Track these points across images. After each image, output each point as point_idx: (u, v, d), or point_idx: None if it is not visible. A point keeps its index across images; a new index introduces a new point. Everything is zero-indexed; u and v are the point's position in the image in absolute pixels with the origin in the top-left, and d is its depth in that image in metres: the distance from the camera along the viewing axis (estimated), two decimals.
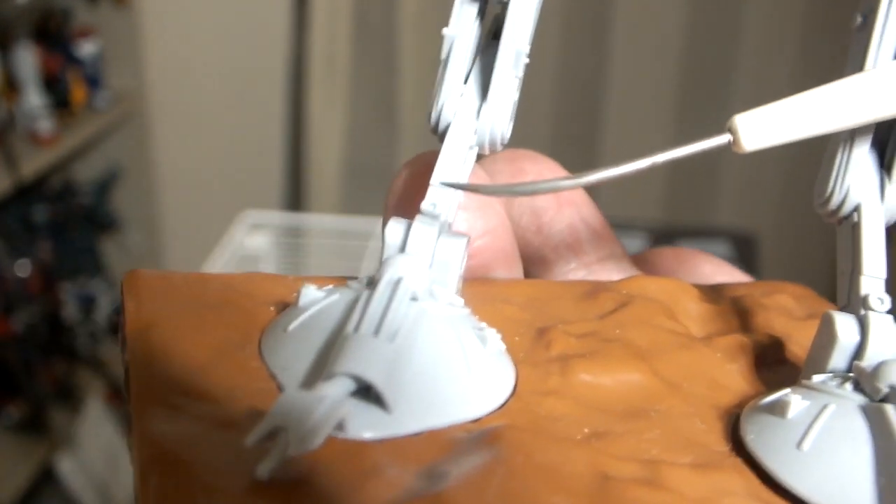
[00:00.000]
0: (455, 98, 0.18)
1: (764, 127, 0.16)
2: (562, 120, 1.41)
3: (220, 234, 1.08)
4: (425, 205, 0.17)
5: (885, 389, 0.15)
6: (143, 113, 1.53)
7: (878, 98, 0.17)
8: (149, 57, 1.51)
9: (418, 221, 0.17)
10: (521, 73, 0.18)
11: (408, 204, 0.19)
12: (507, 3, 0.18)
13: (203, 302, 0.17)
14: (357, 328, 0.15)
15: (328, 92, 1.45)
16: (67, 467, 1.36)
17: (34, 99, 1.30)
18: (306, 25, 1.43)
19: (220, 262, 1.02)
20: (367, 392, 0.14)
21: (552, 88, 1.39)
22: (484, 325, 0.17)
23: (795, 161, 1.35)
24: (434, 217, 0.17)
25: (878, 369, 0.16)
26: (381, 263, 0.17)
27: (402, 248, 0.17)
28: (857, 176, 0.18)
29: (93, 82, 1.43)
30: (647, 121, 1.38)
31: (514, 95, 0.19)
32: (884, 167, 0.18)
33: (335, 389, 0.14)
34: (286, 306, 0.17)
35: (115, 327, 1.56)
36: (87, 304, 1.53)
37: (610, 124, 1.38)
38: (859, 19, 0.18)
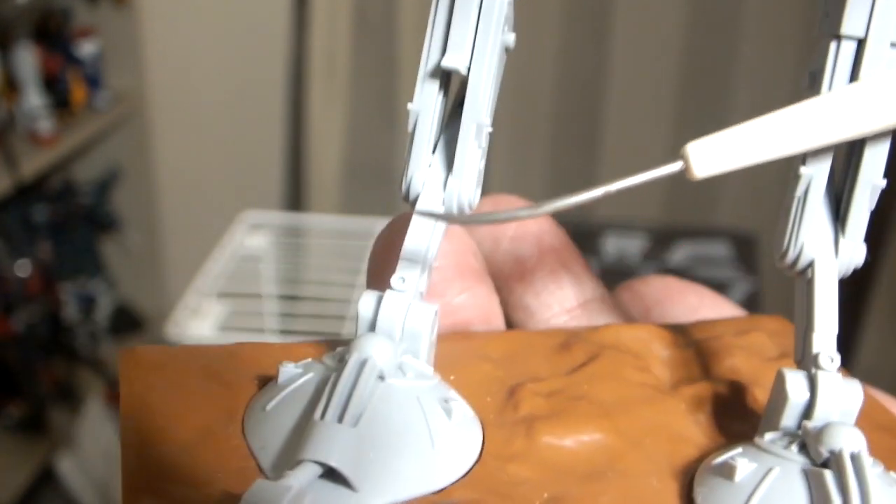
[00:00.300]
0: (423, 169, 0.19)
1: (715, 154, 0.17)
2: (562, 120, 1.41)
3: (220, 234, 1.08)
4: (394, 279, 0.18)
5: (825, 454, 0.16)
6: (143, 113, 1.53)
7: (828, 122, 0.17)
8: (149, 57, 1.51)
9: (388, 295, 0.18)
10: (484, 144, 0.19)
11: (382, 273, 0.19)
12: (467, 78, 0.19)
13: (191, 379, 0.18)
14: (323, 414, 0.16)
15: (328, 92, 1.45)
16: (67, 467, 1.36)
17: (34, 99, 1.30)
18: (306, 25, 1.43)
19: (220, 262, 1.02)
20: (333, 473, 0.15)
21: (552, 88, 1.39)
22: (452, 393, 0.18)
23: (795, 161, 1.34)
24: (403, 291, 0.18)
25: (821, 432, 0.16)
26: (353, 340, 0.17)
27: (373, 322, 0.18)
28: (811, 232, 0.19)
29: (93, 82, 1.43)
30: (648, 121, 1.38)
31: (479, 164, 0.19)
32: (838, 221, 0.19)
33: (302, 477, 0.15)
34: (269, 380, 0.18)
35: (116, 327, 1.56)
36: (87, 304, 1.53)
37: (610, 124, 1.38)
38: (807, 80, 0.18)
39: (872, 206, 0.18)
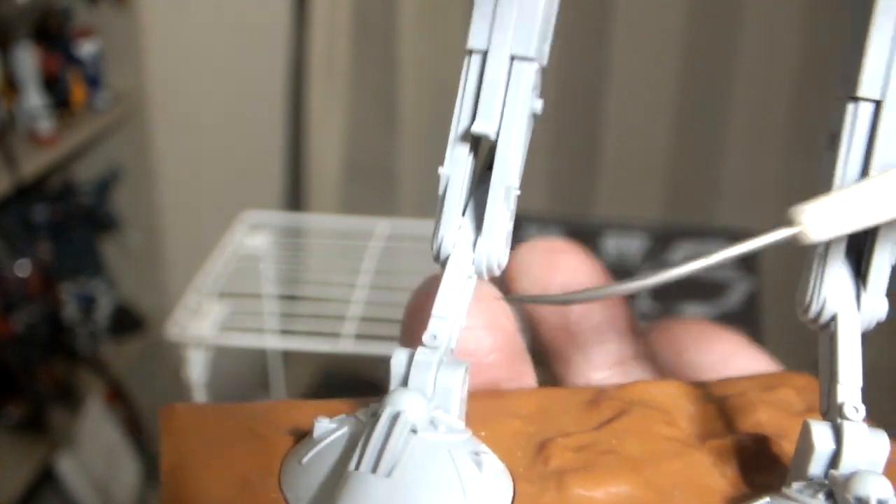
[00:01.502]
0: (454, 231, 0.20)
1: (829, 217, 0.17)
2: (562, 120, 1.41)
3: (220, 234, 1.08)
4: (426, 337, 0.19)
5: (852, 502, 0.16)
6: (143, 113, 1.53)
7: None
8: (149, 57, 1.51)
9: (420, 352, 0.19)
10: (512, 206, 0.20)
11: (415, 329, 0.20)
12: (496, 143, 0.19)
13: (229, 435, 0.19)
14: (357, 465, 0.17)
15: (328, 92, 1.45)
16: (67, 467, 1.36)
17: (34, 99, 1.30)
18: (306, 25, 1.43)
19: (220, 262, 1.02)
20: None
21: (552, 89, 1.39)
22: (482, 447, 0.18)
23: (796, 161, 1.35)
24: (434, 348, 0.19)
25: (848, 480, 0.17)
26: (386, 395, 0.18)
27: (405, 379, 0.19)
28: (832, 286, 0.19)
29: (93, 82, 1.43)
30: (648, 121, 1.37)
31: (508, 226, 0.20)
32: (860, 276, 0.19)
33: None
34: (305, 435, 0.19)
35: (116, 327, 1.56)
36: (87, 304, 1.53)
37: (610, 125, 1.38)
38: (828, 140, 0.19)
39: (894, 260, 0.19)
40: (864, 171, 0.18)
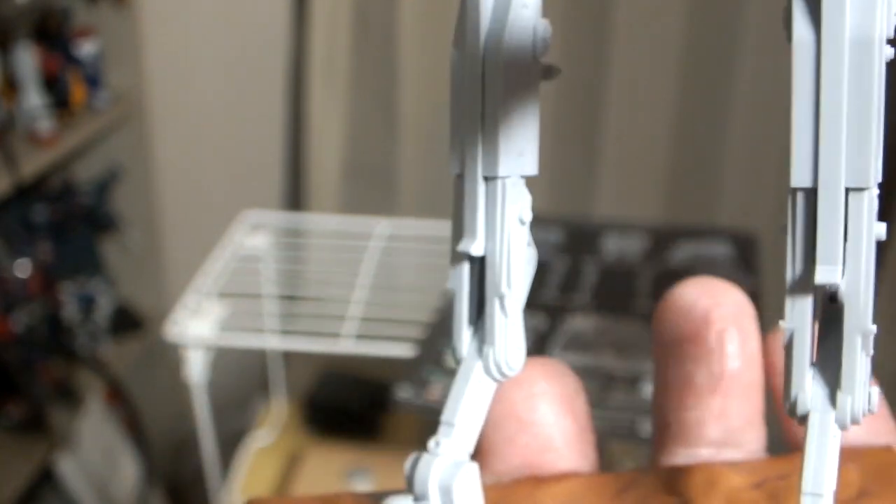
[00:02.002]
0: (466, 333, 0.21)
1: None
2: (562, 120, 1.41)
3: (220, 234, 1.08)
4: (430, 442, 0.19)
5: None
6: (143, 113, 1.53)
7: None
8: (149, 57, 1.51)
9: (423, 457, 0.19)
10: (515, 313, 0.20)
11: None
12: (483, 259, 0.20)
13: None
14: None
15: (328, 92, 1.45)
16: (67, 467, 1.36)
17: (34, 99, 1.30)
18: (306, 25, 1.43)
19: (220, 262, 1.02)
20: None
21: (552, 88, 1.39)
22: None
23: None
24: (436, 454, 0.19)
25: None
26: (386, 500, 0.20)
27: (409, 482, 0.19)
28: (802, 385, 0.18)
29: (93, 82, 1.43)
30: (648, 121, 1.37)
31: (521, 337, 0.20)
32: (832, 371, 0.18)
33: None
34: None
35: (116, 327, 1.56)
36: (87, 304, 1.53)
37: (610, 125, 1.38)
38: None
39: (870, 351, 0.18)
40: (811, 261, 0.17)
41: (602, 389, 0.75)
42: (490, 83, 0.20)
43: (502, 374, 0.20)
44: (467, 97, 0.20)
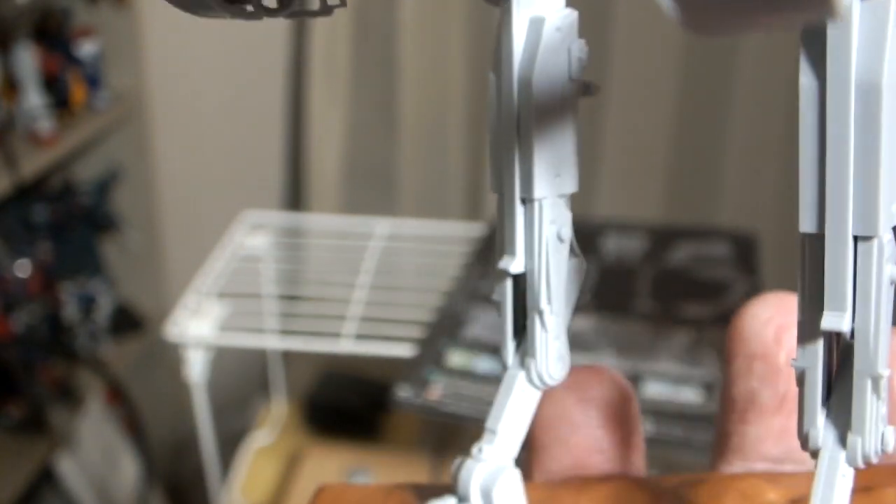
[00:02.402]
0: (512, 347, 0.22)
1: None
2: None
3: (220, 234, 1.08)
4: (473, 448, 0.20)
5: None
6: (143, 113, 1.53)
7: None
8: (149, 57, 1.51)
9: (466, 462, 0.20)
10: (556, 328, 0.22)
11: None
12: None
13: None
14: None
15: (328, 92, 1.45)
16: (67, 467, 1.36)
17: (34, 99, 1.30)
18: (306, 25, 1.43)
19: (220, 262, 1.02)
20: None
21: None
22: None
23: (795, 161, 1.34)
24: (481, 460, 0.20)
25: None
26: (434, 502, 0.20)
27: (454, 486, 0.20)
28: (813, 422, 0.18)
29: (93, 82, 1.43)
30: (648, 121, 1.38)
31: (558, 343, 0.22)
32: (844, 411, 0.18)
33: None
34: None
35: (116, 327, 1.56)
36: (87, 304, 1.53)
37: (610, 125, 1.38)
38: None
39: (883, 395, 0.18)
40: (821, 305, 0.18)
41: None
42: (524, 107, 0.20)
43: (544, 383, 0.21)
44: (504, 120, 0.20)
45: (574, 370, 0.22)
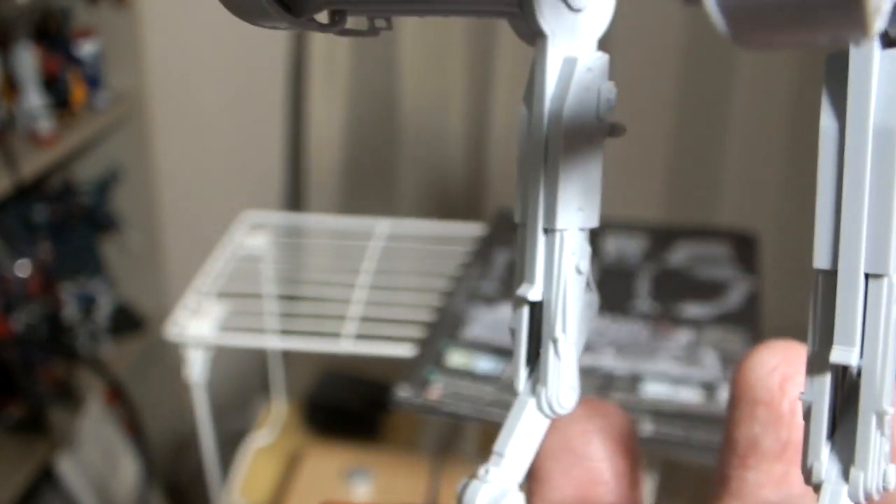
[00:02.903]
0: (524, 374, 0.22)
1: None
2: None
3: (220, 234, 1.08)
4: (480, 470, 0.21)
5: None
6: (143, 113, 1.53)
7: None
8: (149, 57, 1.51)
9: (472, 483, 0.21)
10: (570, 356, 0.22)
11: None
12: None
13: None
14: None
15: (328, 92, 1.45)
16: (67, 467, 1.36)
17: (34, 99, 1.30)
18: None
19: (220, 262, 1.02)
20: None
21: None
22: None
23: (795, 161, 1.35)
24: (485, 481, 0.21)
25: None
26: None
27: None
28: (818, 455, 0.19)
29: (93, 82, 1.43)
30: (648, 121, 1.38)
31: (575, 378, 0.22)
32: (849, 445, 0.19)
33: None
34: None
35: (116, 327, 1.56)
36: (87, 304, 1.53)
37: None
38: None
39: (887, 432, 0.18)
40: (830, 340, 0.18)
41: (602, 389, 0.75)
42: (552, 141, 0.21)
43: (553, 412, 0.21)
44: (532, 152, 0.21)
45: (581, 402, 0.22)
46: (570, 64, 0.21)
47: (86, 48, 1.41)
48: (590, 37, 0.21)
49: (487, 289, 0.91)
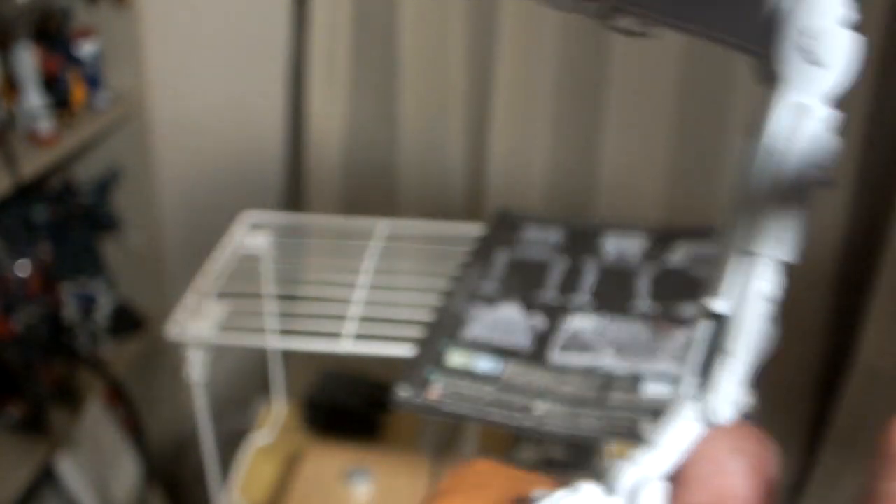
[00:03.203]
0: (694, 379, 0.24)
1: None
2: (562, 120, 1.41)
3: (220, 234, 1.08)
4: (634, 453, 0.24)
5: None
6: (143, 113, 1.53)
7: None
8: (149, 57, 1.51)
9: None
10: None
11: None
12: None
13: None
14: None
15: (328, 92, 1.45)
16: (67, 467, 1.36)
17: (34, 99, 1.30)
18: (306, 25, 1.43)
19: (220, 262, 1.02)
20: None
21: (552, 88, 1.39)
22: None
23: None
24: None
25: None
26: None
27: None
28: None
29: (93, 82, 1.43)
30: (648, 121, 1.37)
31: (740, 395, 0.24)
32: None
33: None
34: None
35: (116, 327, 1.56)
36: (87, 304, 1.53)
37: (610, 124, 1.38)
38: None
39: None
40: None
41: (602, 389, 0.75)
42: (773, 178, 0.23)
43: (713, 420, 0.23)
44: (752, 180, 0.23)
45: (740, 424, 0.24)
46: (803, 111, 0.22)
47: (86, 48, 1.41)
48: (826, 91, 0.22)
49: (487, 289, 0.91)
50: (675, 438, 0.23)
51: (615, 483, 0.22)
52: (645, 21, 0.25)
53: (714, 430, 0.24)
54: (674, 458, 0.23)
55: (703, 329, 0.24)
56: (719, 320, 0.24)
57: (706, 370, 0.24)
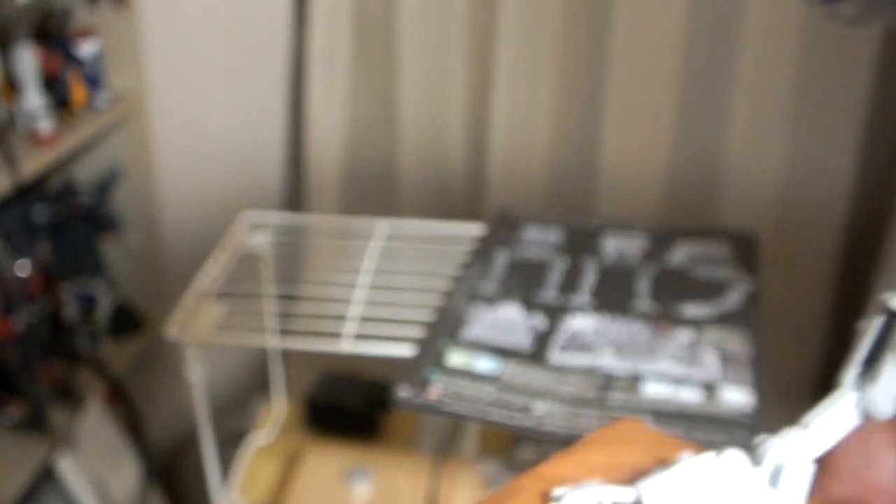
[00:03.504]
0: (856, 370, 0.24)
1: None
2: (562, 120, 1.41)
3: (220, 234, 1.08)
4: (785, 430, 0.25)
5: None
6: (143, 113, 1.53)
7: None
8: (149, 57, 1.51)
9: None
10: None
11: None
12: None
13: None
14: None
15: (328, 92, 1.45)
16: (67, 467, 1.36)
17: (34, 99, 1.30)
18: (306, 24, 1.43)
19: (220, 262, 1.02)
20: None
21: (552, 88, 1.39)
22: None
23: (795, 161, 1.34)
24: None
25: None
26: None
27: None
28: None
29: (93, 82, 1.43)
30: (648, 121, 1.37)
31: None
32: None
33: None
34: None
35: (116, 327, 1.56)
36: (87, 304, 1.53)
37: (610, 124, 1.38)
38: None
39: None
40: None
41: (602, 389, 0.75)
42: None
43: (871, 412, 0.23)
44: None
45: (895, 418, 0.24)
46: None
47: (86, 48, 1.41)
48: None
49: (487, 289, 0.91)
50: (830, 424, 0.23)
51: (763, 455, 0.23)
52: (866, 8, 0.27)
53: (870, 423, 0.24)
54: (825, 443, 0.23)
55: (874, 323, 0.24)
56: (894, 317, 0.24)
57: (870, 363, 0.24)
